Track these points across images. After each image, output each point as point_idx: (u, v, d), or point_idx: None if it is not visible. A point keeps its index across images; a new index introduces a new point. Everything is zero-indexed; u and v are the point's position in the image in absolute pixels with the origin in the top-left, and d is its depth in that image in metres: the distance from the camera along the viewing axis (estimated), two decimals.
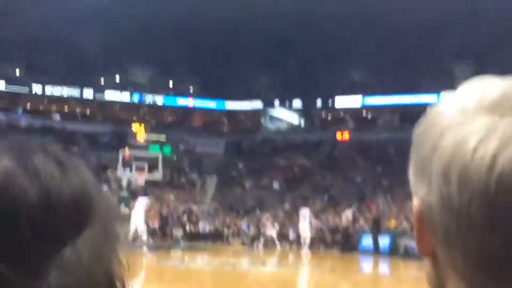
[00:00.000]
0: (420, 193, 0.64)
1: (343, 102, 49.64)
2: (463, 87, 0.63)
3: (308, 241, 28.13)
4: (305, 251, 26.97)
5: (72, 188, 0.60)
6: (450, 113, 0.61)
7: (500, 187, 0.56)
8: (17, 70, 48.70)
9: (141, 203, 23.20)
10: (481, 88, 0.61)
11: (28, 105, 50.16)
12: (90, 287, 0.57)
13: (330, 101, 49.92)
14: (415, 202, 0.65)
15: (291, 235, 31.21)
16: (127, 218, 26.42)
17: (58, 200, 0.58)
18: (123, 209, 28.59)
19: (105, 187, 39.33)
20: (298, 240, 29.66)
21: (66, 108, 51.16)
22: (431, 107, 0.65)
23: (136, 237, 23.82)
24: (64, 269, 0.56)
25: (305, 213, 28.73)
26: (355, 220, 31.05)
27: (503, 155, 0.57)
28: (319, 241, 29.72)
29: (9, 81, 47.25)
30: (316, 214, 33.80)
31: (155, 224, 28.43)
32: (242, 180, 45.06)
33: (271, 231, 30.06)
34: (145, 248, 22.68)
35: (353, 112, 50.15)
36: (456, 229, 0.59)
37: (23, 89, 47.67)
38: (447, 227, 0.60)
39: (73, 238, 0.58)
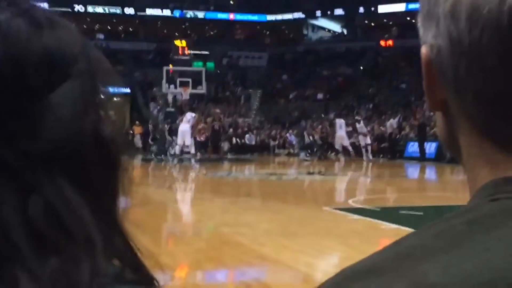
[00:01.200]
0: (429, 39, 0.60)
1: (386, 8, 48.24)
2: None
3: (350, 148, 28.28)
4: (347, 159, 27.30)
5: (44, 45, 0.58)
6: None
7: None
8: None
9: (187, 118, 23.39)
10: None
11: None
12: (70, 143, 0.56)
13: (372, 8, 48.58)
14: (423, 50, 0.61)
15: (337, 145, 31.19)
16: (175, 132, 26.83)
17: (24, 55, 0.57)
18: (171, 124, 29.06)
19: (152, 104, 39.87)
20: (343, 149, 29.70)
21: (108, 27, 51.19)
22: None
23: (183, 150, 24.19)
24: (37, 125, 0.55)
25: (340, 123, 28.68)
26: (400, 127, 30.80)
27: None
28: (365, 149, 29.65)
29: (51, 2, 47.24)
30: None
31: (203, 138, 28.77)
32: (286, 92, 44.89)
33: (319, 140, 30.23)
34: (193, 161, 23.08)
35: (397, 18, 48.82)
36: (467, 70, 0.55)
37: (65, 10, 47.69)
38: (457, 70, 0.56)
39: (45, 93, 0.57)
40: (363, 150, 28.10)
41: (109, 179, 0.60)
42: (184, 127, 23.05)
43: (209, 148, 26.79)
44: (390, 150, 28.36)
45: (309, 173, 20.92)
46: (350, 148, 28.94)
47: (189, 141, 23.25)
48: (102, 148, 0.59)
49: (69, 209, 0.54)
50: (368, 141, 28.19)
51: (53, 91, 0.57)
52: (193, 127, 23.68)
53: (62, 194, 0.54)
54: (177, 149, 23.69)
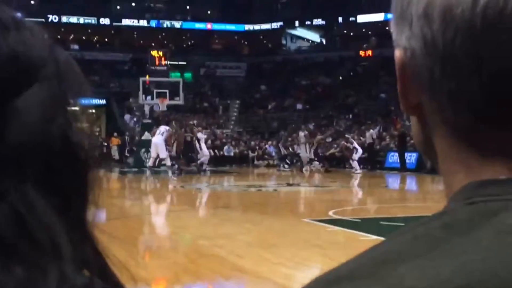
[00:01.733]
0: (402, 41, 0.59)
1: (365, 18, 48.62)
2: None
3: (307, 161, 28.68)
4: (307, 170, 27.68)
5: (10, 47, 0.57)
6: None
7: (485, 20, 0.51)
8: (32, 1, 48.31)
9: (161, 131, 23.27)
10: None
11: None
12: (37, 149, 0.55)
13: (351, 18, 48.95)
14: (397, 53, 0.60)
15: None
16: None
17: None
18: (148, 135, 28.92)
19: (128, 116, 39.70)
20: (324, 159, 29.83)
21: (83, 37, 50.95)
22: None
23: (158, 163, 24.03)
24: (3, 131, 0.54)
25: (300, 136, 29.07)
26: (380, 137, 30.97)
27: None
28: (344, 160, 29.79)
29: (25, 12, 46.87)
30: (341, 133, 33.88)
31: (179, 150, 28.63)
32: (265, 102, 44.97)
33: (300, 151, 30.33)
34: (170, 173, 22.99)
35: (376, 28, 49.22)
36: (441, 72, 0.55)
37: (39, 20, 47.39)
38: (432, 72, 0.55)
39: (11, 98, 0.55)
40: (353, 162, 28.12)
41: (79, 187, 0.58)
42: (157, 139, 22.97)
43: (182, 160, 26.58)
44: (370, 160, 28.48)
45: (289, 185, 20.93)
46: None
47: (164, 153, 23.13)
48: (71, 154, 0.58)
49: (35, 216, 0.52)
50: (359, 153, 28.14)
51: (20, 95, 0.55)
52: (166, 141, 23.61)
53: (28, 201, 0.52)
54: (150, 162, 23.62)
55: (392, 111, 38.04)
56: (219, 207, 14.69)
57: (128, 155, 31.73)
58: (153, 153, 23.35)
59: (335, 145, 30.54)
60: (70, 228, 0.54)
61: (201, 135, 26.91)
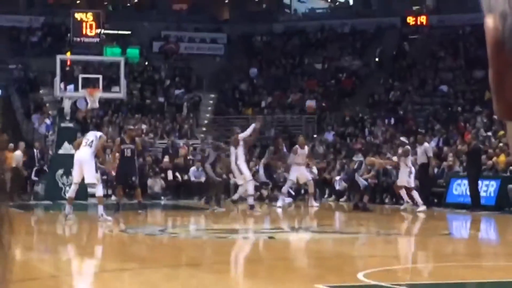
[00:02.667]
0: (499, 4, 0.59)
1: None
2: None
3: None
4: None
5: None
6: None
7: None
8: None
9: (89, 140, 23.05)
10: None
11: None
12: None
13: None
14: (490, 22, 0.61)
15: (337, 183, 31.68)
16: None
17: None
18: (68, 147, 28.80)
19: (36, 115, 39.62)
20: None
21: None
22: None
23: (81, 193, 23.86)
24: None
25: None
26: (440, 156, 31.02)
27: None
28: (382, 191, 30.03)
29: None
30: (377, 147, 33.97)
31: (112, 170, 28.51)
32: (256, 98, 44.97)
33: None
34: (100, 210, 22.75)
35: None
36: None
37: None
38: None
39: None
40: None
41: None
42: (83, 154, 22.62)
43: (118, 189, 26.28)
44: (422, 191, 28.45)
45: (293, 229, 20.92)
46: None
47: (92, 176, 22.89)
48: None
49: None
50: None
51: None
52: (97, 155, 23.35)
53: None
54: (71, 190, 23.34)
55: (459, 114, 38.18)
56: (181, 266, 14.65)
57: (36, 178, 31.63)
58: (75, 176, 23.17)
59: (369, 166, 30.57)
60: None
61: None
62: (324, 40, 48.62)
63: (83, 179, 22.76)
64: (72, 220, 22.65)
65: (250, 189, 25.97)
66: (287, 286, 11.88)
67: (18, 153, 32.08)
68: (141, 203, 25.48)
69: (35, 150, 33.64)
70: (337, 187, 31.60)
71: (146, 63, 46.77)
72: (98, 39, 41.89)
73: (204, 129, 43.07)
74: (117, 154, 25.11)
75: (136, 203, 26.64)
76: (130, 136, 25.65)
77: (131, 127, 29.32)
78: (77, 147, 23.61)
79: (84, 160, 22.40)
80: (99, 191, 23.04)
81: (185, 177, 33.69)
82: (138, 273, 13.48)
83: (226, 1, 54.69)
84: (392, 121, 40.06)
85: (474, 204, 26.41)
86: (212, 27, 51.29)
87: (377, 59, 46.33)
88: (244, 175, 25.79)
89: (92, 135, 23.06)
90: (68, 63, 32.03)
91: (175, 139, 38.28)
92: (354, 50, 47.09)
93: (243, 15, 52.42)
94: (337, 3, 54.47)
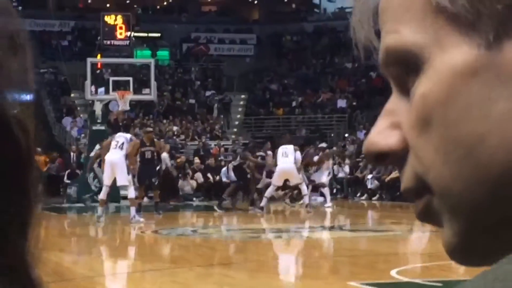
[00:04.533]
0: None
1: None
2: None
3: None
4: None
5: None
6: None
7: None
8: None
9: (119, 143, 22.92)
10: None
11: None
12: None
13: None
14: None
15: (369, 182, 31.63)
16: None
17: None
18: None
19: (68, 119, 39.79)
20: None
21: None
22: None
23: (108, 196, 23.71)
24: None
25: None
26: None
27: None
28: None
29: None
30: None
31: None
32: (286, 98, 44.91)
33: None
34: (133, 212, 22.77)
35: None
36: None
37: None
38: None
39: None
40: None
41: (14, 185, 0.59)
42: (114, 157, 22.55)
43: (139, 191, 26.20)
44: None
45: (326, 228, 20.90)
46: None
47: (124, 178, 22.82)
48: (6, 133, 0.60)
49: None
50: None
51: None
52: (128, 157, 23.27)
53: None
54: (103, 193, 23.30)
55: None
56: (214, 265, 14.64)
57: (68, 181, 31.74)
58: (106, 179, 23.13)
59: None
60: None
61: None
62: None
63: (114, 181, 22.80)
64: (104, 222, 22.69)
65: (304, 188, 25.77)
66: (320, 284, 11.85)
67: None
68: (158, 205, 25.50)
69: (71, 154, 33.79)
70: (369, 186, 31.53)
71: (176, 65, 46.76)
72: (128, 42, 42.01)
73: (235, 130, 43.02)
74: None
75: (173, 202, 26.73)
76: (149, 138, 25.60)
77: (150, 129, 29.16)
78: (106, 149, 23.57)
79: (116, 163, 22.37)
80: (131, 193, 23.01)
81: (217, 178, 33.69)
82: (171, 273, 13.49)
83: (256, 2, 54.60)
84: None
85: None
86: (241, 28, 51.31)
87: None
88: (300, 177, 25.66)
89: (122, 138, 22.97)
90: (99, 66, 32.08)
91: (206, 140, 38.28)
92: None
93: (273, 16, 52.34)
94: None
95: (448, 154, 0.64)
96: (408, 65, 0.66)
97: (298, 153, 26.17)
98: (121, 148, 22.50)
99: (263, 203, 25.70)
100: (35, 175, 0.59)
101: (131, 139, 23.29)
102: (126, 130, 25.65)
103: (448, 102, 0.63)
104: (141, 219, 22.36)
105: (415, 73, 0.66)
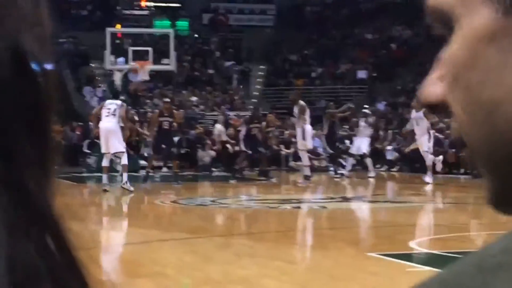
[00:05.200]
0: None
1: None
2: None
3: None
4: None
5: None
6: None
7: None
8: None
9: (110, 109, 22.62)
10: None
11: None
12: None
13: None
14: None
15: (389, 153, 31.55)
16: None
17: None
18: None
19: (88, 88, 39.85)
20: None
21: None
22: None
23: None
24: None
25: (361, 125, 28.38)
26: None
27: None
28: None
29: None
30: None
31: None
32: (306, 68, 44.82)
33: None
34: (125, 178, 22.56)
35: None
36: None
37: None
38: None
39: None
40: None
41: (33, 135, 0.58)
42: (108, 124, 22.35)
43: (150, 159, 26.20)
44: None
45: (343, 199, 20.89)
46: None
47: (118, 145, 22.63)
48: (28, 84, 0.58)
49: None
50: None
51: None
52: (123, 121, 23.00)
53: None
54: (104, 161, 23.20)
55: None
56: (233, 235, 14.67)
57: (87, 151, 31.79)
58: (103, 146, 22.90)
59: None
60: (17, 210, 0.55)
61: None
62: (375, 10, 48.23)
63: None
64: (110, 190, 22.72)
65: (306, 159, 25.81)
66: (338, 254, 11.85)
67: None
68: (177, 175, 25.65)
69: (89, 123, 33.84)
70: (388, 157, 31.50)
71: (196, 35, 46.71)
72: (147, 12, 41.99)
73: (255, 100, 42.96)
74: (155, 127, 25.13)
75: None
76: (168, 109, 25.61)
77: (168, 99, 29.16)
78: (96, 117, 23.53)
79: (110, 130, 22.26)
80: (124, 159, 22.99)
81: (236, 148, 33.70)
82: (191, 243, 13.53)
83: None
84: None
85: None
86: None
87: (428, 27, 45.76)
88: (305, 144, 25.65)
89: (114, 104, 22.84)
90: (118, 36, 32.03)
91: (226, 111, 38.27)
92: (405, 20, 46.64)
93: None
94: None
95: (472, 116, 0.65)
96: (445, 24, 0.70)
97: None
98: (114, 115, 22.41)
99: (307, 171, 25.85)
100: (54, 127, 0.58)
101: (122, 105, 23.19)
102: (115, 96, 25.11)
103: (471, 66, 0.65)
104: (131, 189, 22.36)
105: (451, 31, 0.68)
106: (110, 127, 22.31)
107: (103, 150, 22.92)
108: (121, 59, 31.20)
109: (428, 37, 45.14)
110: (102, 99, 36.80)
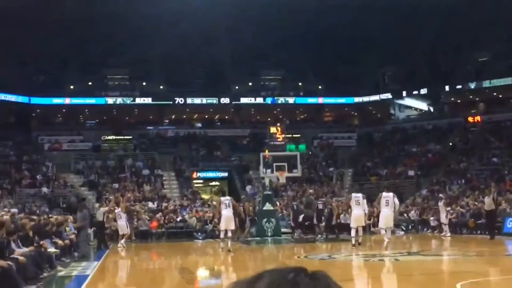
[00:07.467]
0: None
1: (472, 85, 46.88)
2: None
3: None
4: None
5: None
6: None
7: None
8: (161, 86, 50.39)
9: (228, 203, 21.53)
10: None
11: (173, 117, 51.91)
12: None
13: (458, 86, 47.34)
14: None
15: (432, 221, 30.20)
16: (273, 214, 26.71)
17: None
18: (269, 206, 28.76)
19: (249, 187, 39.76)
20: (439, 226, 28.50)
21: (206, 116, 52.31)
22: None
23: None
24: None
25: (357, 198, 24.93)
26: (496, 203, 29.01)
27: None
28: (461, 226, 28.32)
29: (155, 96, 49.04)
30: (455, 198, 32.32)
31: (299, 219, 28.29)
32: (377, 170, 43.87)
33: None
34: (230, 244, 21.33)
35: (483, 94, 47.27)
36: None
37: (167, 103, 49.27)
38: None
39: None
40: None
41: None
42: (228, 213, 21.52)
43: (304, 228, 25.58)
44: (492, 226, 26.23)
45: (407, 253, 19.80)
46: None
47: (232, 226, 21.61)
48: None
49: None
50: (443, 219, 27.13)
51: None
52: (234, 209, 22.01)
53: None
54: (222, 235, 22.05)
55: (506, 175, 36.06)
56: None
57: (248, 224, 31.40)
58: (222, 227, 21.57)
59: (451, 211, 28.96)
60: None
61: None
62: (417, 133, 47.22)
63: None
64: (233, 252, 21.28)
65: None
66: None
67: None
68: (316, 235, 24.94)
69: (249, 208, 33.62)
70: (432, 224, 30.13)
71: (310, 152, 46.50)
72: (282, 141, 42.09)
73: (347, 191, 42.12)
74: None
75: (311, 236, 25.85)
76: (294, 197, 25.16)
77: (311, 190, 28.76)
78: (217, 208, 22.36)
79: (228, 217, 21.35)
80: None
81: (338, 221, 32.75)
82: None
83: (355, 114, 54.18)
84: (463, 181, 38.09)
85: None
86: (347, 129, 51.04)
87: (450, 144, 44.46)
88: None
89: (228, 200, 21.97)
90: (266, 157, 31.89)
91: (329, 197, 37.51)
92: (436, 139, 45.44)
93: (366, 121, 51.87)
94: (423, 111, 52.85)
95: None
96: None
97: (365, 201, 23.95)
98: (229, 206, 21.45)
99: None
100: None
101: (231, 199, 22.15)
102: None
103: None
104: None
105: None
106: (229, 215, 21.00)
107: (222, 228, 21.25)
108: (268, 170, 30.96)
109: (451, 150, 43.72)
110: (257, 193, 36.72)
